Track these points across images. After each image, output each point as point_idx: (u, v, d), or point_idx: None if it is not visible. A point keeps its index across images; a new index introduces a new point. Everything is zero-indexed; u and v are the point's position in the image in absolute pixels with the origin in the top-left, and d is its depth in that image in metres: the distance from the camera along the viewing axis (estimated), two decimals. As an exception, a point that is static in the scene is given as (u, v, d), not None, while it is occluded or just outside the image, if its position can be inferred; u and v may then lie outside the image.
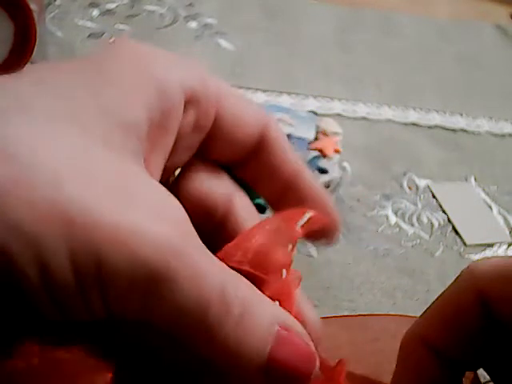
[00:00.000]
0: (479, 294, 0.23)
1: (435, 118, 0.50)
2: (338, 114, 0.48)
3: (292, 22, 0.58)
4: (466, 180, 0.45)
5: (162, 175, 0.24)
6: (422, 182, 0.44)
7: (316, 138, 0.42)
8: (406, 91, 0.53)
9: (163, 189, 0.21)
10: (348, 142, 0.45)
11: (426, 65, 0.56)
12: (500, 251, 0.40)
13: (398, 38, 0.59)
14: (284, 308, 0.21)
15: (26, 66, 0.21)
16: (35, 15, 0.37)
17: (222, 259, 0.21)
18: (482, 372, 0.26)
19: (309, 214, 0.25)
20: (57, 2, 0.51)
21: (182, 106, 0.22)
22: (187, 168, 0.25)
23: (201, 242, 0.20)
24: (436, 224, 0.41)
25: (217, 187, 0.25)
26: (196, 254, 0.19)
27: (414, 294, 0.36)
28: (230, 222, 0.25)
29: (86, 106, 0.19)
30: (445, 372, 0.23)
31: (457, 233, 0.41)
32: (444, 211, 0.42)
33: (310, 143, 0.42)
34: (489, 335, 0.23)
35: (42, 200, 0.17)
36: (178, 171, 0.26)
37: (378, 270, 0.37)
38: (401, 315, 0.32)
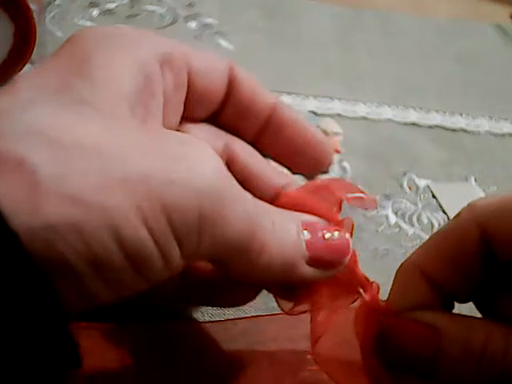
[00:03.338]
0: (479, 228, 0.23)
1: (435, 118, 0.50)
2: (338, 114, 0.48)
3: (292, 21, 0.57)
4: (467, 180, 0.45)
5: None
6: (421, 182, 0.44)
7: (316, 138, 0.42)
8: (405, 91, 0.53)
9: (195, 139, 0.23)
10: (348, 141, 0.45)
11: (426, 65, 0.56)
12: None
13: (398, 37, 0.59)
14: None
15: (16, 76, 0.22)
16: (35, 15, 0.37)
17: None
18: None
19: (363, 195, 0.27)
20: (57, 2, 0.51)
21: (159, 70, 0.24)
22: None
23: (235, 181, 0.23)
24: (436, 224, 0.41)
25: (214, 140, 0.28)
26: (237, 194, 0.22)
27: (414, 294, 0.36)
28: (234, 169, 0.28)
29: (88, 92, 0.21)
30: (438, 300, 0.24)
31: (457, 233, 0.40)
32: (444, 211, 0.42)
33: (310, 143, 0.42)
34: (486, 270, 0.23)
35: (108, 174, 0.19)
36: None
37: (378, 270, 0.37)
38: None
